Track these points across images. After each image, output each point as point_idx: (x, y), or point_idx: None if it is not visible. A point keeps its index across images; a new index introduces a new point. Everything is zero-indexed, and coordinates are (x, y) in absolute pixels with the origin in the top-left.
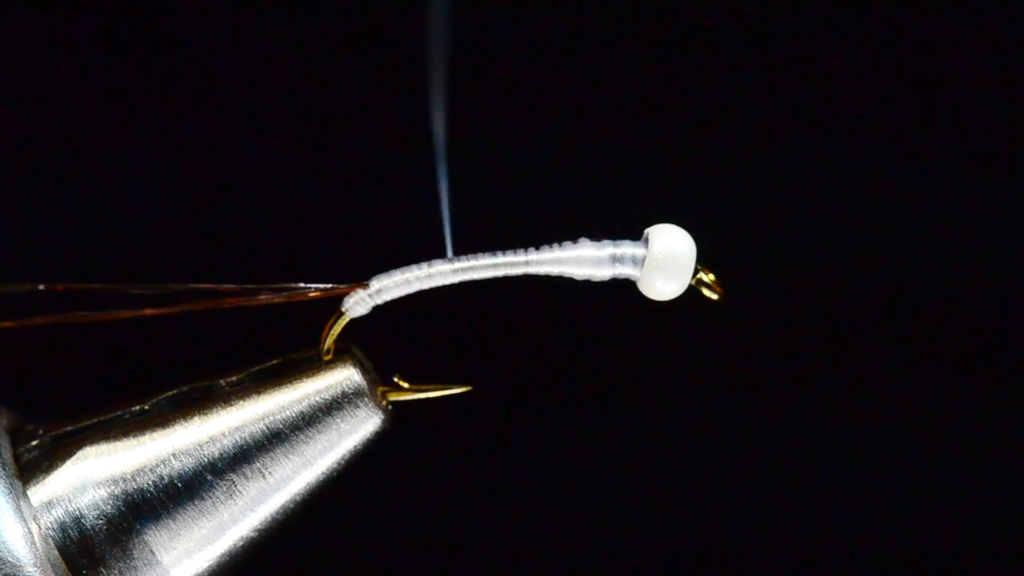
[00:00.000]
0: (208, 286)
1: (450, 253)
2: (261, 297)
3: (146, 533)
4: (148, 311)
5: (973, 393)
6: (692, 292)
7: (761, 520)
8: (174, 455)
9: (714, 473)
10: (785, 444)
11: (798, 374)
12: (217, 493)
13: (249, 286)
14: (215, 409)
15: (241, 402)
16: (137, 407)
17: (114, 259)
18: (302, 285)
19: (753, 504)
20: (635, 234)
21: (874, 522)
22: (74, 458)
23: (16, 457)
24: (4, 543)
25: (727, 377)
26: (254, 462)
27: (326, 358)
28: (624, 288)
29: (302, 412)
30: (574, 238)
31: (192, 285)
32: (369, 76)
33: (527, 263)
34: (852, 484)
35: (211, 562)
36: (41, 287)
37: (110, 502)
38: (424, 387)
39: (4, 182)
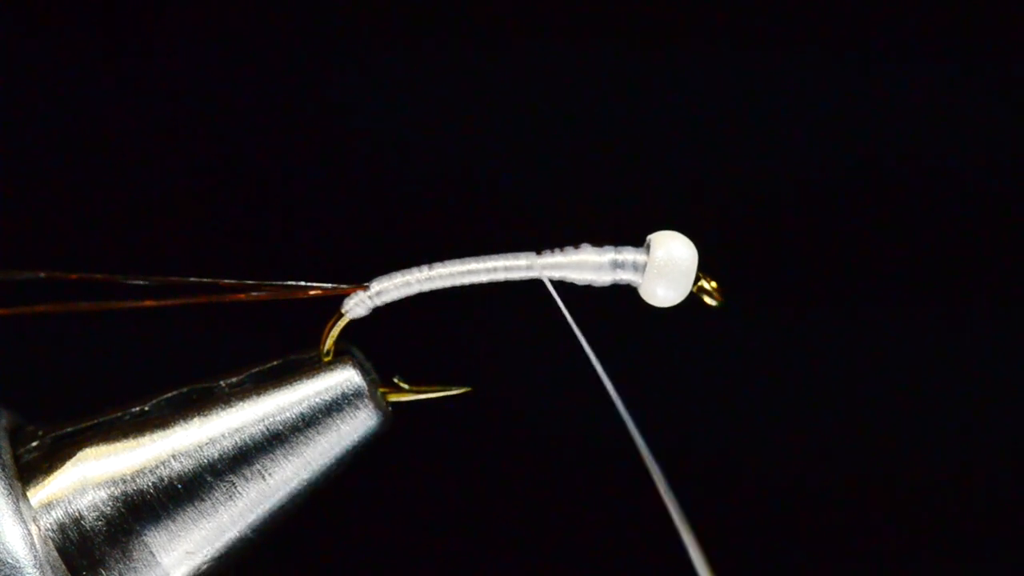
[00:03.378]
0: (208, 280)
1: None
2: (261, 294)
3: (146, 534)
4: (148, 303)
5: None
6: (693, 299)
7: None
8: (174, 456)
9: (714, 469)
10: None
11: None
12: (217, 494)
13: (249, 282)
14: (215, 410)
15: (241, 403)
16: (137, 408)
17: (115, 255)
18: (302, 284)
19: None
20: (637, 240)
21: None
22: (74, 459)
23: (16, 458)
24: (4, 544)
25: (727, 384)
26: (254, 463)
27: (326, 359)
28: (625, 294)
29: (302, 413)
30: (576, 243)
31: (192, 279)
32: (370, 76)
33: (528, 267)
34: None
35: (211, 563)
36: (42, 275)
37: (110, 503)
38: (424, 388)
39: (8, 174)
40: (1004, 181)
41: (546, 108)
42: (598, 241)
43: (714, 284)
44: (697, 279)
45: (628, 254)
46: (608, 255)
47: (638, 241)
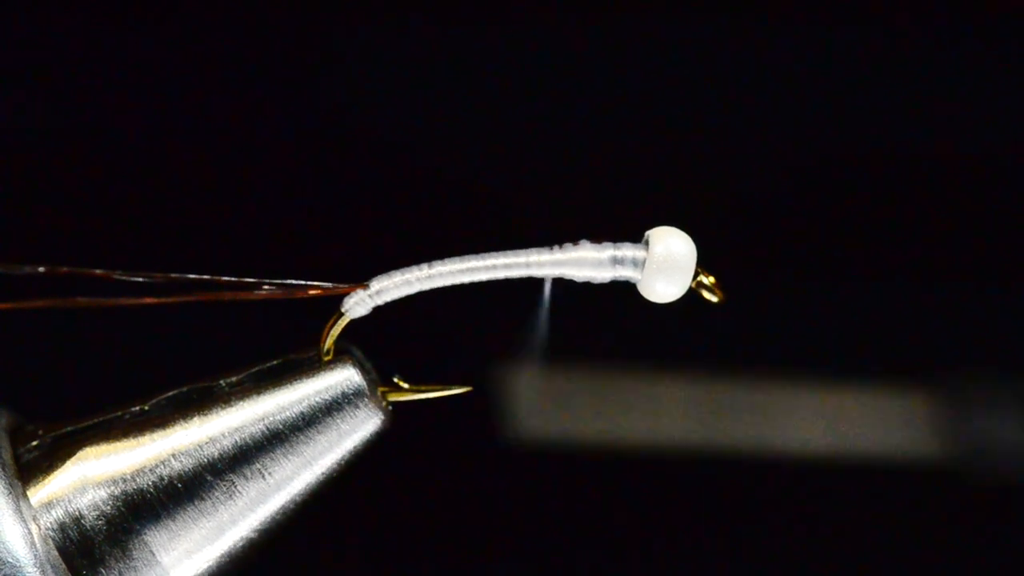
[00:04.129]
0: (208, 278)
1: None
2: (261, 293)
3: (146, 533)
4: (147, 300)
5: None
6: (692, 295)
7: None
8: (174, 455)
9: (715, 470)
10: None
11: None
12: (217, 494)
13: (249, 280)
14: (215, 409)
15: (241, 403)
16: (137, 407)
17: (114, 252)
18: (302, 283)
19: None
20: (635, 236)
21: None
22: (74, 458)
23: (16, 457)
24: (4, 544)
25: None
26: (254, 463)
27: (326, 359)
28: (624, 290)
29: (302, 413)
30: (574, 240)
31: (192, 276)
32: (370, 76)
33: (527, 264)
34: None
35: (211, 562)
36: (42, 269)
37: (110, 502)
38: (424, 387)
39: (7, 169)
40: (997, 160)
41: (543, 106)
42: (596, 238)
43: (713, 279)
44: (696, 274)
45: (627, 250)
46: (607, 251)
47: (636, 237)
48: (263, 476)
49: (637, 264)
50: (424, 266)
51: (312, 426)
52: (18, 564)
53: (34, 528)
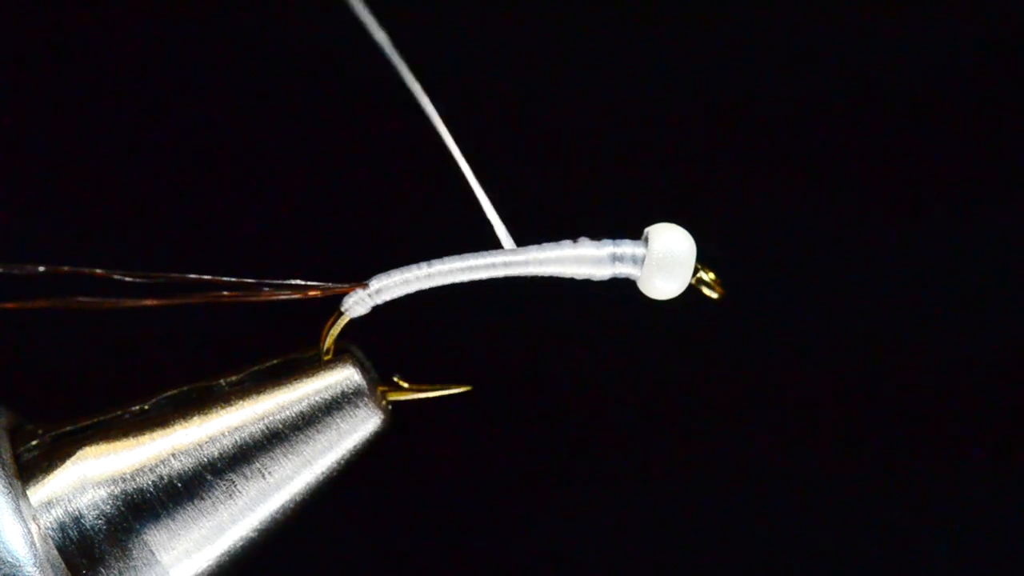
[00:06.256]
0: (208, 279)
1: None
2: (261, 293)
3: (146, 533)
4: (148, 301)
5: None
6: (692, 291)
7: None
8: (174, 455)
9: (714, 478)
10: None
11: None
12: (217, 493)
13: (249, 281)
14: (215, 409)
15: (241, 402)
16: (137, 407)
17: (114, 253)
18: (302, 283)
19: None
20: (635, 233)
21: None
22: (74, 458)
23: (16, 457)
24: (4, 543)
25: (725, 377)
26: (254, 462)
27: (326, 358)
28: (624, 287)
29: (302, 412)
30: (574, 237)
31: (192, 276)
32: (370, 76)
33: (527, 263)
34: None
35: (211, 562)
36: (42, 269)
37: (110, 502)
38: (424, 387)
39: (8, 169)
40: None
41: (541, 104)
42: (595, 235)
43: (712, 275)
44: (696, 271)
45: (626, 247)
46: (607, 249)
47: (636, 234)
48: (263, 475)
49: (637, 261)
50: (424, 265)
51: (312, 425)
52: (18, 563)
53: (34, 527)
